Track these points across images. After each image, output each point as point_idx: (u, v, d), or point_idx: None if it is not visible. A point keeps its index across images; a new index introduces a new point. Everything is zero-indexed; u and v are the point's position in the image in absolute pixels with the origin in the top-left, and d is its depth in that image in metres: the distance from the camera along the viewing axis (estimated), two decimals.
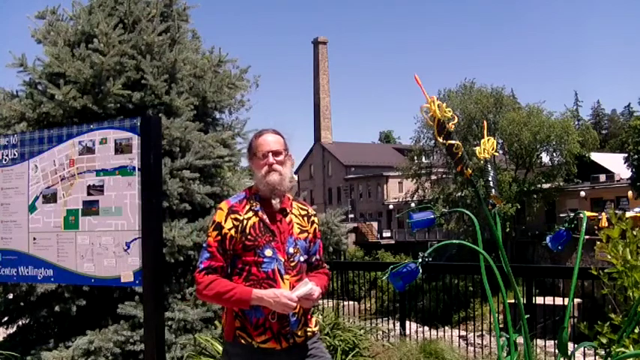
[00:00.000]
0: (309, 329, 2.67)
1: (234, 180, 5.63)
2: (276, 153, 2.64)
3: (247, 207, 2.62)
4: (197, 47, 6.04)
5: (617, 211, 2.82)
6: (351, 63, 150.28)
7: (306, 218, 2.74)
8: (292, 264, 2.61)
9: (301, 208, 2.75)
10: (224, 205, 2.64)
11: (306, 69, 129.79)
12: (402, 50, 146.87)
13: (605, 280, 2.81)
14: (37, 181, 3.56)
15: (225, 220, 2.57)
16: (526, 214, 39.52)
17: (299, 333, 2.60)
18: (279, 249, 2.58)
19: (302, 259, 2.67)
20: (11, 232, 3.63)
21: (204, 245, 2.61)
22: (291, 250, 2.62)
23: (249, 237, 2.55)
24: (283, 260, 2.58)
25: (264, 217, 2.61)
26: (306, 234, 2.71)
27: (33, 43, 5.57)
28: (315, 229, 2.77)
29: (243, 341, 2.55)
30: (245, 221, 2.57)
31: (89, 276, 3.35)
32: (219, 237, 2.55)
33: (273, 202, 2.63)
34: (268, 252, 2.56)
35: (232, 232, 2.55)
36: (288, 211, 2.68)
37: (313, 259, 2.76)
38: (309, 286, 2.51)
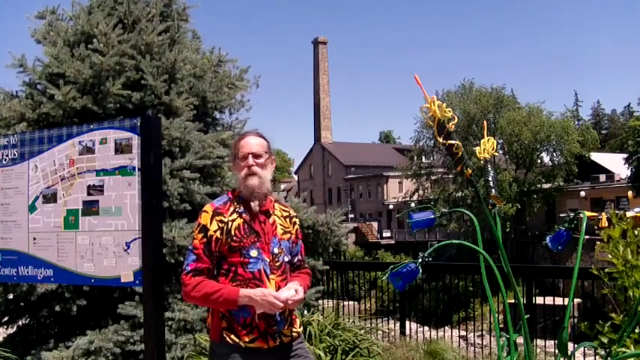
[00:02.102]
0: (294, 329, 2.71)
1: (234, 180, 5.62)
2: (256, 155, 2.65)
3: (231, 209, 2.64)
4: (197, 47, 6.04)
5: (617, 211, 2.82)
6: (351, 63, 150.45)
7: (288, 219, 2.78)
8: (277, 264, 2.64)
9: (283, 210, 2.79)
10: (208, 207, 2.66)
11: (306, 69, 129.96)
12: (402, 50, 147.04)
13: (606, 280, 2.81)
14: (37, 181, 3.55)
15: (211, 223, 2.59)
16: (526, 214, 39.52)
17: (285, 333, 2.64)
18: (264, 249, 2.62)
19: (286, 259, 2.71)
20: (11, 232, 3.63)
21: (190, 247, 2.64)
22: (275, 251, 2.65)
23: (234, 238, 2.58)
24: (268, 260, 2.62)
25: (248, 218, 2.64)
26: (289, 235, 2.74)
27: (33, 44, 5.58)
28: (297, 230, 2.81)
29: (230, 341, 2.57)
30: (230, 223, 2.60)
31: (89, 276, 3.35)
32: (205, 239, 2.58)
33: (252, 204, 2.65)
34: (254, 252, 2.59)
35: (218, 234, 2.58)
36: (271, 212, 2.71)
37: (295, 260, 2.80)
38: (294, 289, 2.57)
